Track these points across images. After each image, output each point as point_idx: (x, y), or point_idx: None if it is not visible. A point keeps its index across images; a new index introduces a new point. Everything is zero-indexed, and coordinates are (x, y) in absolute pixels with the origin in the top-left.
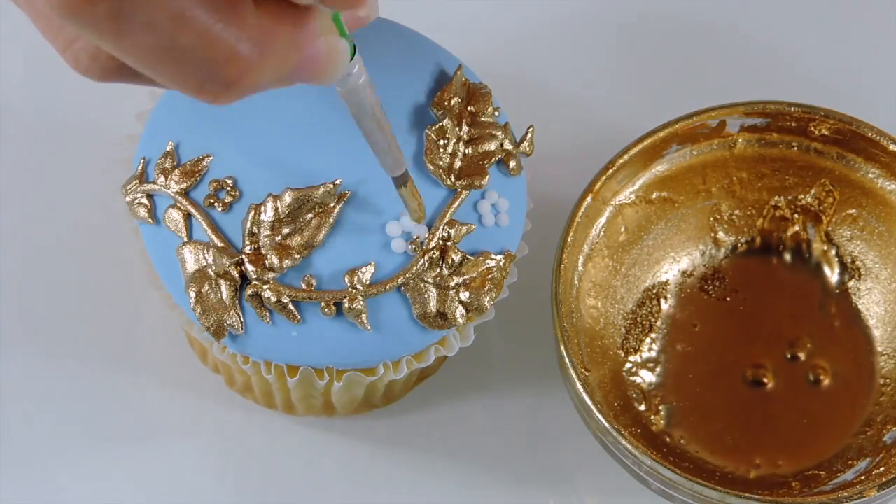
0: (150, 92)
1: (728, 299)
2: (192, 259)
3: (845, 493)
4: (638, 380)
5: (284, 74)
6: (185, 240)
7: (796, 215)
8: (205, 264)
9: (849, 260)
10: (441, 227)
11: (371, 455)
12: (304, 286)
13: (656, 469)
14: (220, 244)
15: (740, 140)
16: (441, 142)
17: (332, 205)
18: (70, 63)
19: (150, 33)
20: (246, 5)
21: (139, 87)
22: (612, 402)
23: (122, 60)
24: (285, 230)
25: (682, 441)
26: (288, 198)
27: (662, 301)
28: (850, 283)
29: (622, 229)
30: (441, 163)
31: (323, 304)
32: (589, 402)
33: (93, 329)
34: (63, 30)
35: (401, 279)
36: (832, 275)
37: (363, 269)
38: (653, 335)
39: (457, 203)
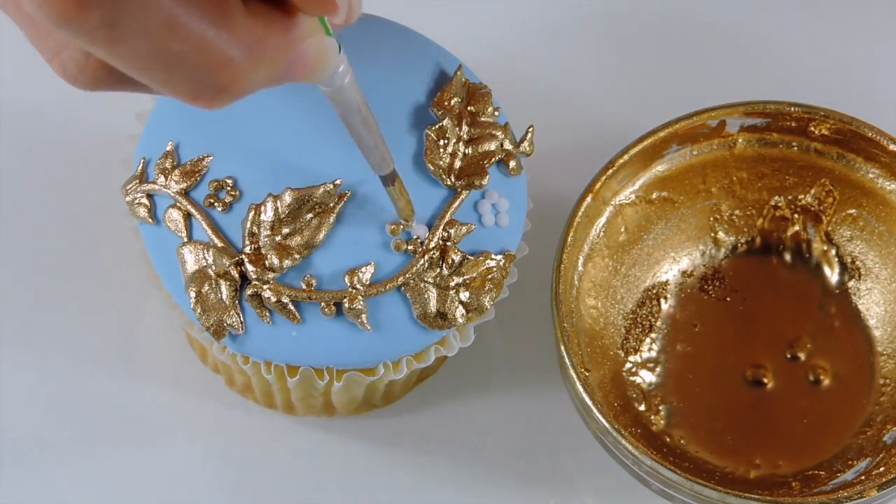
0: None
1: (728, 299)
2: (192, 259)
3: (845, 493)
4: (638, 380)
5: (275, 75)
6: (185, 240)
7: (796, 215)
8: (205, 264)
9: (849, 260)
10: (441, 227)
11: (371, 455)
12: (304, 286)
13: (656, 469)
14: (220, 244)
15: (740, 140)
16: (441, 142)
17: (332, 205)
18: (58, 72)
19: (144, 40)
20: (237, 10)
21: None
22: (612, 402)
23: (116, 67)
24: (285, 230)
25: (682, 441)
26: (288, 198)
27: (662, 301)
28: (850, 283)
29: (622, 229)
30: (441, 163)
31: (323, 304)
32: (589, 402)
33: (93, 329)
34: (51, 37)
35: (401, 279)
36: (832, 275)
37: (363, 269)
38: (653, 335)
39: (457, 203)
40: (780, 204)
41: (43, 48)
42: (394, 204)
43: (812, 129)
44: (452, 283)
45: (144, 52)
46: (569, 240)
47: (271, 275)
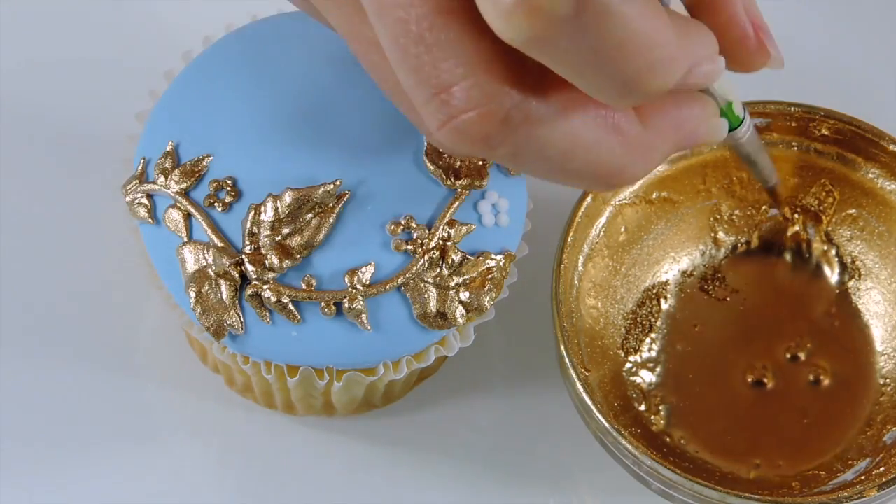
0: (151, 92)
1: (728, 299)
2: (192, 259)
3: (845, 493)
4: (638, 380)
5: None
6: (185, 240)
7: (796, 215)
8: (205, 264)
9: (849, 260)
10: (441, 227)
11: (371, 455)
12: (304, 286)
13: (656, 469)
14: (220, 244)
15: None
16: None
17: (332, 205)
18: (439, 140)
19: (543, 162)
20: (631, 124)
21: (139, 88)
22: (612, 402)
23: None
24: (285, 230)
25: (682, 441)
26: (288, 198)
27: (662, 301)
28: (850, 283)
29: (622, 229)
30: (441, 163)
31: (323, 304)
32: (589, 402)
33: (93, 329)
34: (423, 125)
35: (401, 279)
36: (832, 275)
37: (363, 269)
38: (653, 335)
39: (457, 203)
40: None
41: (419, 124)
42: (774, 201)
43: (812, 129)
44: (452, 283)
45: (544, 169)
46: (569, 240)
47: (271, 275)
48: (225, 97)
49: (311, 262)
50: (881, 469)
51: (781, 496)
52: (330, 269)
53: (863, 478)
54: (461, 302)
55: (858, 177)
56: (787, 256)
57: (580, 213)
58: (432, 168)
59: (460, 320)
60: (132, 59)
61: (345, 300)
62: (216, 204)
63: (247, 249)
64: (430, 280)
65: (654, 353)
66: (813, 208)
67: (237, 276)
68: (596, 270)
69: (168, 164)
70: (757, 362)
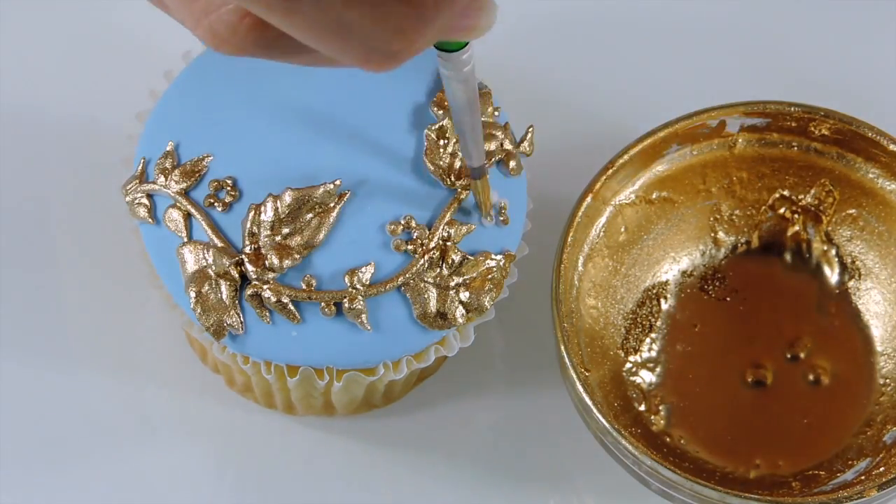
0: (151, 92)
1: (728, 299)
2: (192, 259)
3: (845, 493)
4: (638, 380)
5: (444, 34)
6: (185, 240)
7: (796, 215)
8: (205, 264)
9: (849, 260)
10: (441, 227)
11: (371, 455)
12: (304, 286)
13: (656, 469)
14: (220, 244)
15: (740, 140)
16: (441, 142)
17: (332, 205)
18: (204, 36)
19: (321, 11)
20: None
21: (139, 88)
22: (612, 402)
23: (288, 34)
24: (285, 230)
25: (682, 441)
26: (288, 198)
27: (662, 301)
28: (850, 283)
29: (622, 229)
30: (441, 163)
31: (323, 304)
32: (589, 402)
33: (93, 329)
34: (196, 2)
35: (401, 279)
36: (832, 275)
37: (363, 269)
38: (653, 335)
39: (457, 203)
40: (780, 204)
41: (186, 11)
42: (476, 197)
43: (812, 129)
44: (452, 283)
45: (321, 22)
46: (569, 240)
47: (271, 275)
48: (225, 97)
49: (311, 262)
50: (881, 469)
51: (781, 496)
52: (330, 269)
53: (863, 478)
54: (461, 302)
55: (858, 177)
56: (787, 256)
57: (580, 213)
58: (432, 168)
59: (460, 320)
60: (132, 59)
61: (345, 300)
62: (216, 204)
63: (247, 249)
64: (430, 280)
65: (654, 353)
66: (813, 208)
67: (237, 276)
68: (596, 270)
69: (168, 164)
70: (757, 362)
